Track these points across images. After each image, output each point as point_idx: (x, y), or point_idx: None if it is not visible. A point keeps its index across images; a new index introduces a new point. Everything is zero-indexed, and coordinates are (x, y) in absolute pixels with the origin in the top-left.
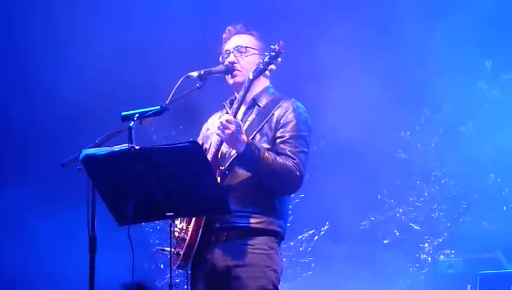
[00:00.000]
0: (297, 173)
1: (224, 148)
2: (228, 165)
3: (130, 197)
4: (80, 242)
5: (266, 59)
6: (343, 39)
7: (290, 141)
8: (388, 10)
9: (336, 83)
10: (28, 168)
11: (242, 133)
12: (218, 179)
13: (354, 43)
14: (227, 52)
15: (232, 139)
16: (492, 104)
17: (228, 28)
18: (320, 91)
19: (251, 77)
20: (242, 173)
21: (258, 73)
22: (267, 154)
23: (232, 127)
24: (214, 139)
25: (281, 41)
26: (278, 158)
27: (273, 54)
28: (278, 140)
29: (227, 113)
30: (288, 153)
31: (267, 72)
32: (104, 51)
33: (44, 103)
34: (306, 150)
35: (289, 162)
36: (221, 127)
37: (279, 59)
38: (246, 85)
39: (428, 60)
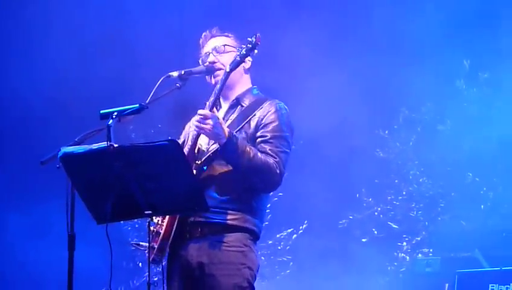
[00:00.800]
0: (278, 171)
1: (202, 142)
2: (205, 160)
3: (108, 195)
4: (54, 238)
5: (243, 51)
6: (321, 38)
7: (271, 140)
8: (369, 9)
9: (315, 82)
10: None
11: (222, 126)
12: (195, 172)
13: (333, 43)
14: (206, 54)
15: (212, 132)
16: (471, 103)
17: (204, 33)
18: (299, 90)
19: (228, 70)
20: (219, 169)
21: (235, 65)
22: (248, 148)
23: (210, 121)
24: (191, 134)
25: (258, 34)
26: (259, 154)
27: (250, 46)
28: (259, 139)
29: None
30: (269, 152)
31: (245, 65)
32: (83, 49)
33: (22, 101)
34: (287, 150)
35: (270, 160)
36: (196, 123)
37: (256, 51)
38: (223, 78)
39: (407, 59)
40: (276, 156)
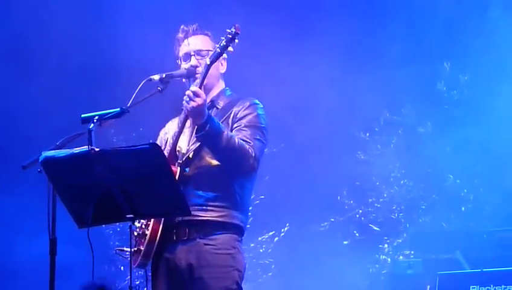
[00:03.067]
0: (253, 154)
1: (182, 145)
2: (187, 159)
3: (90, 199)
4: (25, 234)
5: (223, 43)
6: (300, 40)
7: (245, 129)
8: (351, 11)
9: (295, 84)
10: None
11: (205, 107)
12: (177, 173)
13: (313, 45)
14: (187, 55)
15: (196, 111)
16: (451, 105)
17: (182, 27)
18: (280, 91)
19: (208, 62)
20: (202, 167)
21: (215, 57)
22: (225, 130)
23: (200, 100)
24: (170, 135)
25: (237, 24)
26: (235, 137)
27: (230, 36)
28: (234, 130)
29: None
30: (243, 138)
31: (221, 69)
32: (65, 52)
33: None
34: (263, 140)
35: (245, 145)
36: (187, 99)
37: (236, 41)
38: (203, 71)
39: (387, 60)
40: (250, 141)
